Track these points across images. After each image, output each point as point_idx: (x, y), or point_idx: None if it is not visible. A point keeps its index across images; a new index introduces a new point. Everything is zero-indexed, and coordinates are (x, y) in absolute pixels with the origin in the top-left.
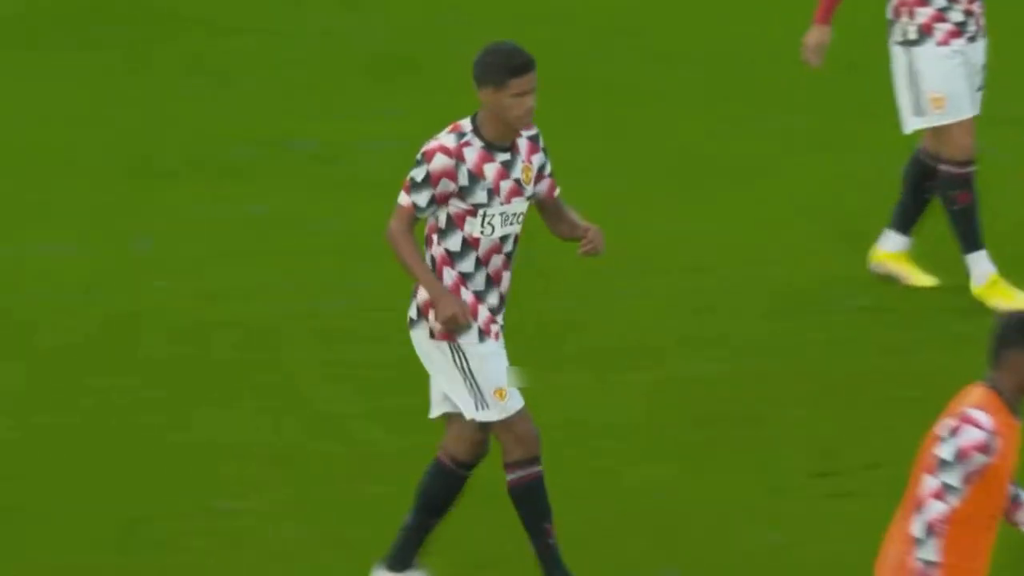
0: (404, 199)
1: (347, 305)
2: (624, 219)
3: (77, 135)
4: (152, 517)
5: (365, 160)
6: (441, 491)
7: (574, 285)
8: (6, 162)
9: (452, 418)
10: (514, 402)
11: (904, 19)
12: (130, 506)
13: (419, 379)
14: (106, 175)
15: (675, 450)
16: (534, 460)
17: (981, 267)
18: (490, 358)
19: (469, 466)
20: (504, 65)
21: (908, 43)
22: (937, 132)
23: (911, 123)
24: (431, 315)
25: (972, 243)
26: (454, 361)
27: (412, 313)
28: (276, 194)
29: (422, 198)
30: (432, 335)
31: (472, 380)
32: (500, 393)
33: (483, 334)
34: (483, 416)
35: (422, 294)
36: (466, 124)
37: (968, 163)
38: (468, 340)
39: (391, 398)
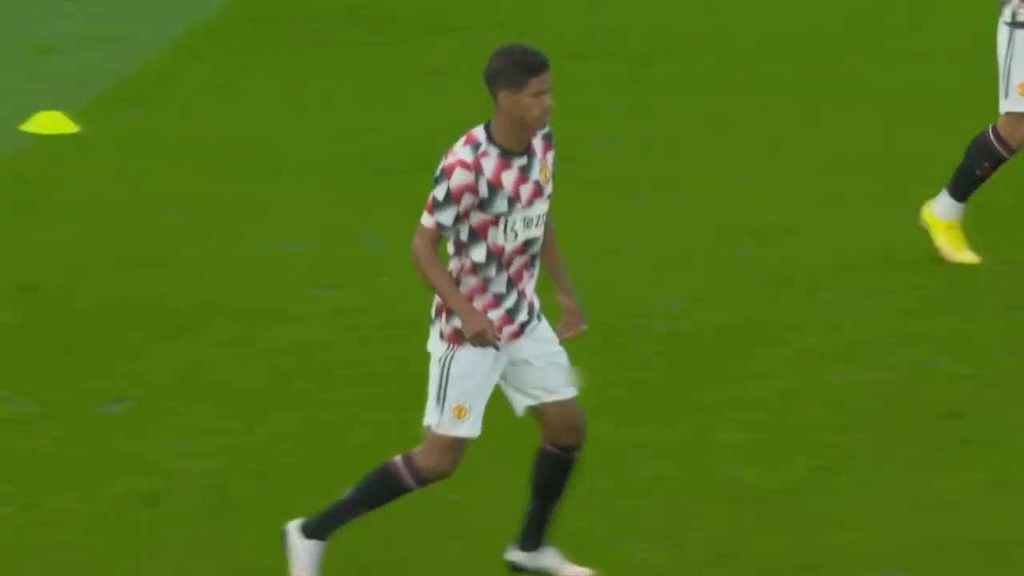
0: (427, 220)
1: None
2: (854, 216)
3: (304, 134)
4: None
5: (598, 157)
6: (553, 476)
7: (800, 282)
8: (238, 162)
9: (541, 408)
10: (462, 429)
11: (1016, 0)
12: None
13: (656, 373)
14: (336, 173)
15: (898, 446)
16: (424, 481)
17: (952, 209)
18: (472, 373)
19: (574, 449)
20: (521, 64)
21: (1015, 24)
22: (1009, 113)
23: (1001, 104)
24: (443, 317)
25: (961, 194)
26: (441, 359)
27: (431, 311)
28: None
29: (446, 217)
30: (442, 336)
31: (444, 383)
32: (459, 410)
33: None
34: (433, 419)
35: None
36: (480, 133)
37: (1013, 153)
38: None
39: (619, 390)
